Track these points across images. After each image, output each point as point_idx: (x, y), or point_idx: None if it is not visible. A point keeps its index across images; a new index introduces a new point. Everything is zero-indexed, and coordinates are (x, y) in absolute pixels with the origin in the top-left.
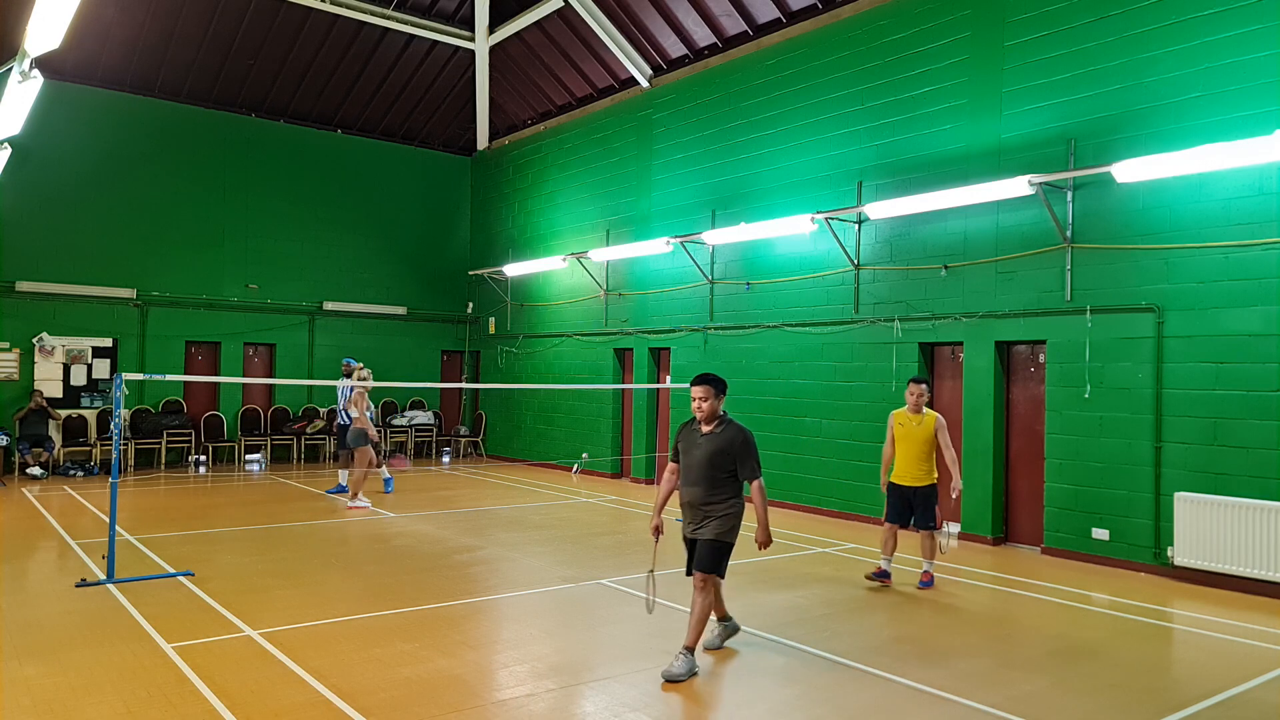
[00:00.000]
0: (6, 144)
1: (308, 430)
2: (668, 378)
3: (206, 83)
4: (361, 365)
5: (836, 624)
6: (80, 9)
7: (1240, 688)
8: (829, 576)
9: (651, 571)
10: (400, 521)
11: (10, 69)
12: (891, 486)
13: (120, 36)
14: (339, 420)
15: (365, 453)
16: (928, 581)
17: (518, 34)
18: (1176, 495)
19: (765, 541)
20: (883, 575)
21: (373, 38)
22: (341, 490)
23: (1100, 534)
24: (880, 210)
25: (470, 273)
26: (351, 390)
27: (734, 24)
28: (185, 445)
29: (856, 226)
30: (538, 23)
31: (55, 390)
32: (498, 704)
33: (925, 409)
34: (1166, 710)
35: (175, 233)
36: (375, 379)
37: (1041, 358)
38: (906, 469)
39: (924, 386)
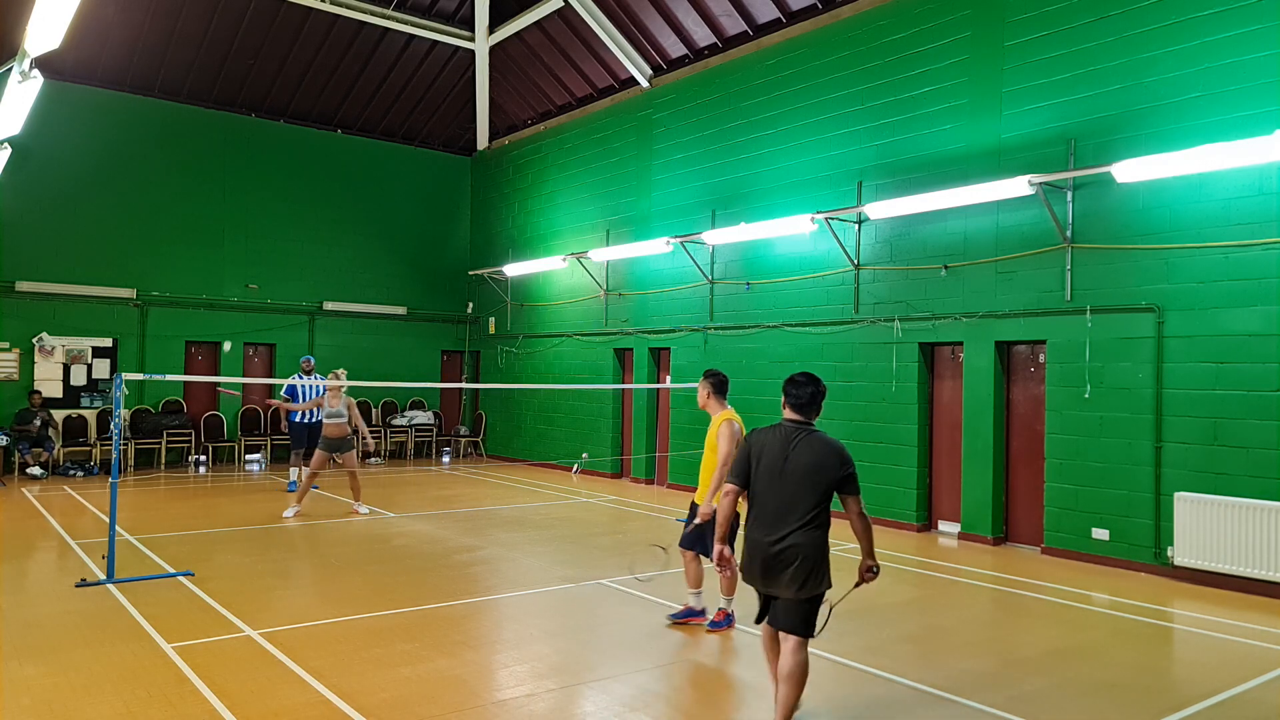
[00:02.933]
0: (6, 144)
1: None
2: (668, 378)
3: (206, 83)
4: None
5: (837, 624)
6: (80, 9)
7: (1240, 688)
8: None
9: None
10: (400, 521)
11: (10, 69)
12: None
13: (120, 36)
14: (317, 417)
15: (322, 457)
16: (718, 621)
17: (518, 34)
18: (1176, 495)
19: None
20: (721, 623)
21: (373, 38)
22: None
23: (1100, 534)
24: (880, 210)
25: (470, 273)
26: (324, 390)
27: (734, 24)
28: (185, 445)
29: (856, 226)
30: (538, 23)
31: (55, 390)
32: (498, 704)
33: (721, 407)
34: (1166, 710)
35: (175, 233)
36: (375, 379)
37: (1041, 358)
38: (701, 480)
39: (705, 380)
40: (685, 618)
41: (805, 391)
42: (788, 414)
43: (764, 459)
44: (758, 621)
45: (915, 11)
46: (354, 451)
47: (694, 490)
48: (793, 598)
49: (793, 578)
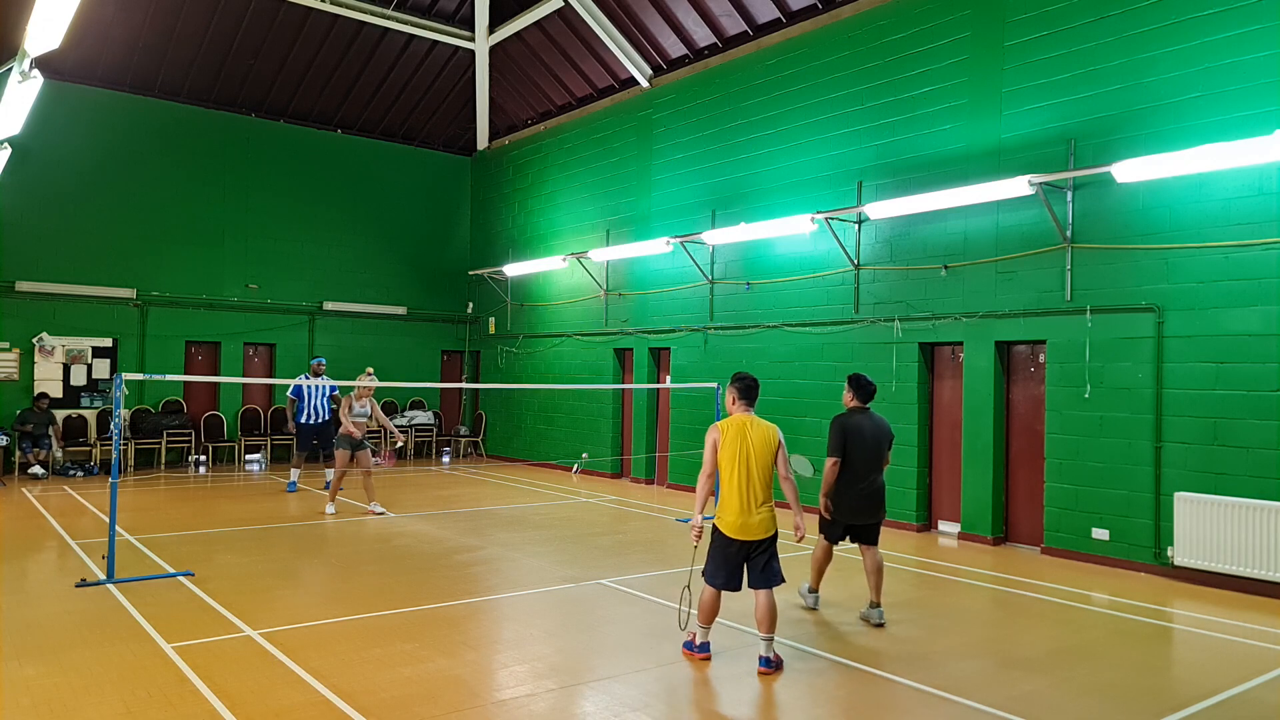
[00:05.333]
0: (6, 144)
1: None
2: (668, 378)
3: (206, 83)
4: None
5: (837, 624)
6: (80, 9)
7: (1240, 688)
8: (828, 577)
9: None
10: (400, 521)
11: (10, 69)
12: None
13: (120, 36)
14: (323, 418)
15: (344, 455)
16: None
17: (518, 34)
18: (1176, 495)
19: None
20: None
21: (373, 38)
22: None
23: (1100, 534)
24: (880, 210)
25: (470, 273)
26: (333, 389)
27: (734, 24)
28: (185, 445)
29: (856, 226)
30: (538, 23)
31: (55, 390)
32: (498, 704)
33: (736, 411)
34: (1166, 710)
35: (175, 233)
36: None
37: (1041, 358)
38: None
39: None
40: (701, 652)
41: (871, 387)
42: (857, 402)
43: (858, 435)
44: (834, 541)
45: (915, 11)
46: (368, 451)
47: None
48: (877, 522)
49: (881, 510)
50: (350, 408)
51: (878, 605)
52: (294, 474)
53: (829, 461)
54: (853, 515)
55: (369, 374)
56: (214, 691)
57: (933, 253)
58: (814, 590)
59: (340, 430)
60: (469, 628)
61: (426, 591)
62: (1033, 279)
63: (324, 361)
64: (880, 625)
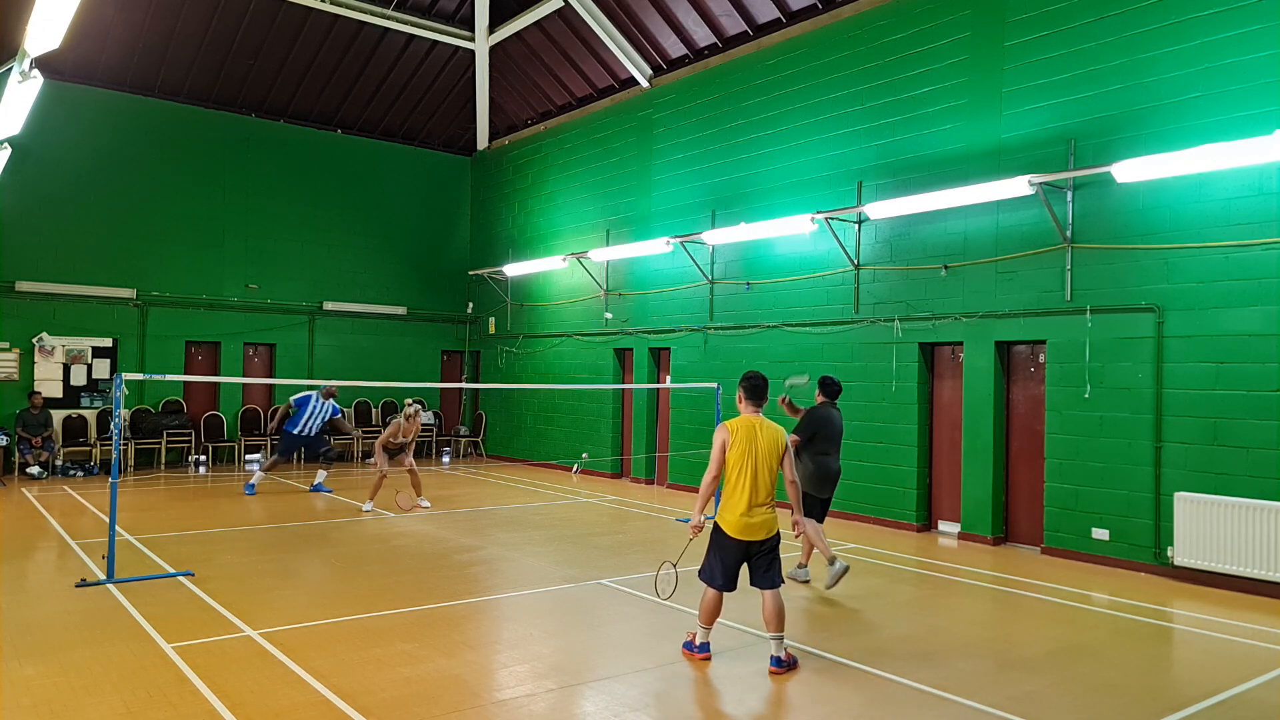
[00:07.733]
0: (6, 144)
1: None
2: (668, 378)
3: (206, 83)
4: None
5: (837, 624)
6: (80, 9)
7: (1240, 688)
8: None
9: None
10: (400, 521)
11: (10, 69)
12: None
13: (120, 36)
14: (312, 433)
15: (384, 458)
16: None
17: (518, 34)
18: (1176, 495)
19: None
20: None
21: (373, 38)
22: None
23: (1100, 534)
24: (880, 210)
25: (470, 273)
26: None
27: (734, 24)
28: (185, 445)
29: (856, 226)
30: (538, 23)
31: (55, 390)
32: (498, 704)
33: (744, 412)
34: (1166, 710)
35: (175, 233)
36: (375, 379)
37: (1041, 358)
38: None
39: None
40: (700, 652)
41: (837, 387)
42: (825, 399)
43: (827, 424)
44: (820, 519)
45: (915, 11)
46: (405, 454)
47: (696, 492)
48: (830, 497)
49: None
50: (394, 438)
51: (805, 566)
52: (257, 477)
53: (792, 438)
54: (823, 489)
55: (411, 403)
56: (214, 691)
57: (933, 253)
58: (803, 565)
59: (377, 442)
60: (469, 628)
61: (426, 591)
62: (1033, 279)
63: (335, 390)
64: (807, 582)
